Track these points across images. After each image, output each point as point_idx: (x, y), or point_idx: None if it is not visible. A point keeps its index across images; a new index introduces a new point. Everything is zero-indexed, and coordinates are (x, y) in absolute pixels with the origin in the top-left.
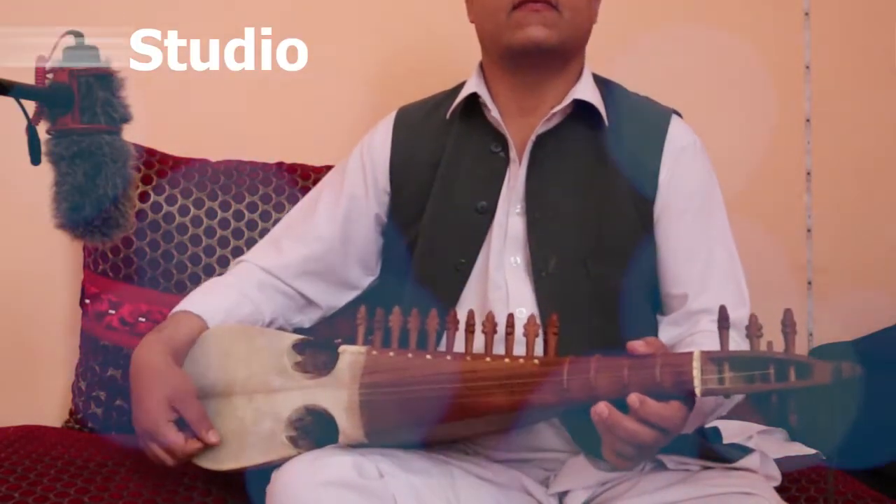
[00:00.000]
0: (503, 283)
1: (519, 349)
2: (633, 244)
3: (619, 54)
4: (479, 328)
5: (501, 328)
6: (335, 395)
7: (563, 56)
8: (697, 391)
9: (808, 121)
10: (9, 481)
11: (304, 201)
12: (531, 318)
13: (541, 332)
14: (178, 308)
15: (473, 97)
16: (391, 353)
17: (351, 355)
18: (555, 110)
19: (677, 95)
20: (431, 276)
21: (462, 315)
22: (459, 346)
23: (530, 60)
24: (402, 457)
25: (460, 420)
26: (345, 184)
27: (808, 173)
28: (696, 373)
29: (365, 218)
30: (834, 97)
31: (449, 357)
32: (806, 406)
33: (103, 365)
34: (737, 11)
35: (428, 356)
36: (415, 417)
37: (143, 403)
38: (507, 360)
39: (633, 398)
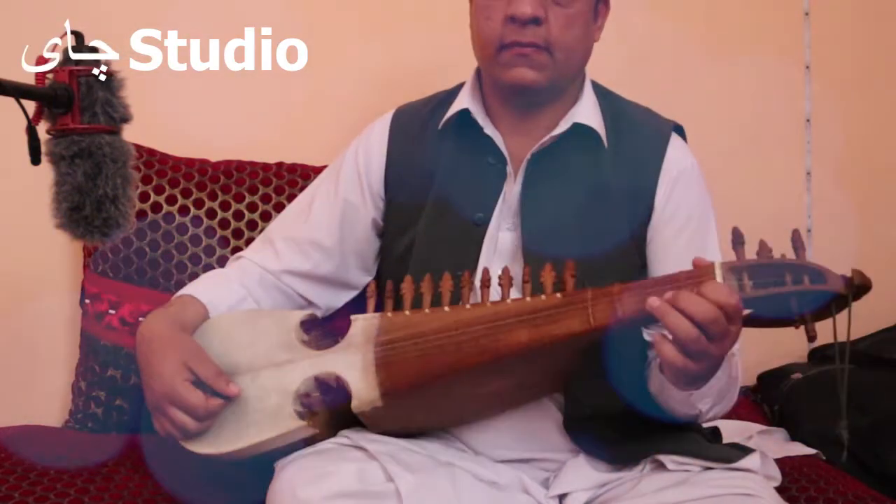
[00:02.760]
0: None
1: None
2: (627, 264)
3: (619, 55)
4: (494, 282)
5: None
6: (348, 359)
7: (559, 89)
8: None
9: (808, 121)
10: (9, 481)
11: (298, 201)
12: (547, 266)
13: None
14: (183, 291)
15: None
16: (407, 313)
17: (364, 321)
18: (553, 134)
19: (677, 96)
20: None
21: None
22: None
23: (520, 98)
24: (403, 458)
25: (481, 367)
26: (340, 189)
27: (808, 173)
28: (720, 280)
29: (362, 223)
30: (834, 97)
31: (468, 306)
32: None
33: (103, 365)
34: (737, 11)
35: (446, 308)
36: (434, 369)
37: (155, 370)
38: (528, 299)
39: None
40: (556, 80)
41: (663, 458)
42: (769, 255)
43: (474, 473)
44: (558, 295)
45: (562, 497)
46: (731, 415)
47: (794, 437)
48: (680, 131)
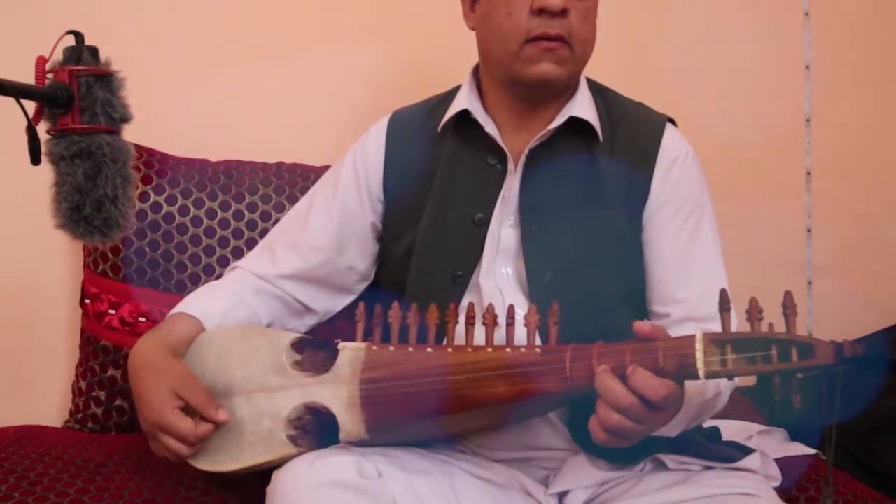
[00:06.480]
0: (498, 293)
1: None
2: (627, 254)
3: (619, 55)
4: (479, 321)
5: (502, 320)
6: (335, 392)
7: (569, 83)
8: (701, 374)
9: (808, 121)
10: (9, 481)
11: (297, 208)
12: (531, 308)
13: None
14: (174, 310)
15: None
16: (391, 348)
17: (351, 351)
18: (550, 128)
19: (678, 96)
20: (429, 288)
21: (462, 309)
22: (460, 340)
23: (536, 93)
24: (401, 457)
25: (463, 412)
26: (338, 193)
27: (808, 173)
28: (699, 355)
29: (360, 227)
30: (834, 97)
31: (450, 349)
32: (805, 399)
33: (103, 365)
34: (737, 11)
35: (429, 349)
36: (417, 411)
37: (146, 398)
38: (508, 350)
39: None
40: (573, 74)
41: (664, 457)
42: (759, 315)
43: (472, 472)
44: (538, 350)
45: (561, 495)
46: (732, 415)
47: (794, 437)
48: (673, 124)
